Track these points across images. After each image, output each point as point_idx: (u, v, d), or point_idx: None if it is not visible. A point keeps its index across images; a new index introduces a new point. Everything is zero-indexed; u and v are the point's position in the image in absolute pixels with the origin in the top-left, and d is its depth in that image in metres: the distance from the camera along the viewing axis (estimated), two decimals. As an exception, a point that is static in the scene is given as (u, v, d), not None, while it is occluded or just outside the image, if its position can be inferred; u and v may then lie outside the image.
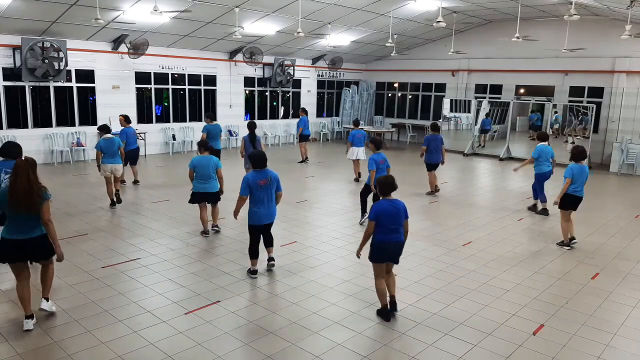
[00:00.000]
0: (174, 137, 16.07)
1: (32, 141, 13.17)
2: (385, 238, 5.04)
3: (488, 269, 6.66)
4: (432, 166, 10.89)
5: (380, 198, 5.17)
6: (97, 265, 6.39)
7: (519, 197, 11.05)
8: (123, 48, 14.12)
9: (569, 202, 7.56)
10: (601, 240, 8.13)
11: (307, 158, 14.91)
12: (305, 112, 15.53)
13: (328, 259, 6.88)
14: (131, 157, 11.00)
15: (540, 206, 9.66)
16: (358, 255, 5.30)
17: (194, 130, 16.49)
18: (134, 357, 4.37)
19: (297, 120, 19.84)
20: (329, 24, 15.06)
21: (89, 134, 14.24)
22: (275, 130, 19.05)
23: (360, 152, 12.08)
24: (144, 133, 14.98)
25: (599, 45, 15.62)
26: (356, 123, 12.92)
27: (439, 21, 11.67)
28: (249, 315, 5.17)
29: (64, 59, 12.84)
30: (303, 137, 15.08)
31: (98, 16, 10.58)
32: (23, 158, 4.76)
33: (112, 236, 7.65)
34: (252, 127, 10.02)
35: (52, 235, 4.71)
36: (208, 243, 7.37)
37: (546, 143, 9.62)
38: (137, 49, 13.99)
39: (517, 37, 12.91)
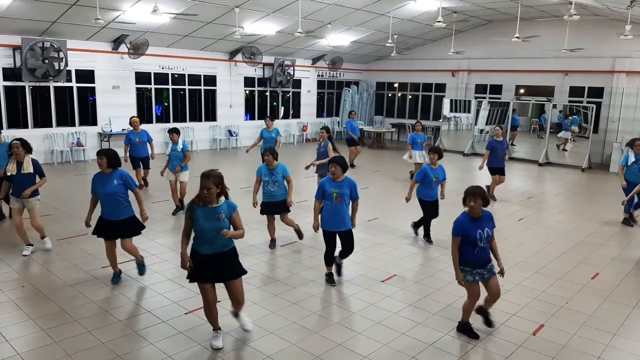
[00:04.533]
0: (174, 137, 16.05)
1: (32, 141, 12.78)
2: (471, 254, 4.61)
3: (488, 269, 6.66)
4: (495, 170, 10.65)
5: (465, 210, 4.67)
6: (97, 265, 6.40)
7: (519, 197, 11.04)
8: (123, 48, 14.12)
9: None
10: (601, 240, 8.13)
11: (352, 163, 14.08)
12: (353, 114, 15.03)
13: (328, 259, 6.88)
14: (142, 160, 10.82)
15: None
16: (460, 282, 4.66)
17: (194, 131, 16.51)
18: (134, 357, 4.38)
19: (297, 120, 19.96)
20: (329, 24, 15.06)
21: (89, 134, 14.25)
22: (276, 130, 19.04)
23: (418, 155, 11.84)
24: (144, 133, 14.99)
25: (598, 45, 15.61)
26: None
27: (439, 21, 11.67)
28: (248, 315, 5.16)
29: (64, 59, 12.84)
30: (350, 142, 14.43)
31: (98, 16, 10.58)
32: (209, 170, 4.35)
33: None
34: (329, 130, 9.60)
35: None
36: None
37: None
38: (137, 49, 14.00)
39: (517, 37, 12.91)
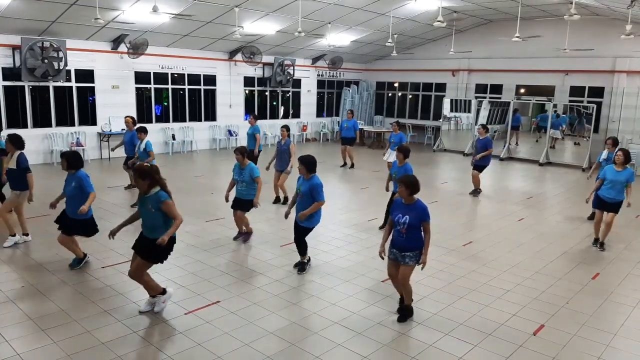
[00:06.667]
0: (173, 137, 16.06)
1: (31, 141, 13.07)
2: (394, 235, 5.12)
3: (488, 269, 6.66)
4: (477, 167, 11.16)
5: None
6: (97, 265, 6.39)
7: (519, 197, 11.04)
8: (123, 48, 14.11)
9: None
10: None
11: (352, 164, 14.17)
12: (351, 113, 14.77)
13: (328, 259, 6.88)
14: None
15: None
16: (379, 253, 5.22)
17: (194, 130, 16.51)
18: (133, 357, 4.37)
19: (297, 120, 19.96)
20: (329, 23, 15.05)
21: (88, 134, 14.24)
22: (275, 130, 19.02)
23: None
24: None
25: (599, 45, 15.61)
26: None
27: (439, 21, 11.66)
28: (249, 315, 5.17)
29: (63, 59, 12.83)
30: (344, 140, 14.30)
31: (98, 16, 10.57)
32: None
33: (112, 236, 7.63)
34: (289, 129, 9.66)
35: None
36: (208, 243, 7.36)
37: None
38: (137, 49, 13.98)
39: (517, 37, 12.91)
